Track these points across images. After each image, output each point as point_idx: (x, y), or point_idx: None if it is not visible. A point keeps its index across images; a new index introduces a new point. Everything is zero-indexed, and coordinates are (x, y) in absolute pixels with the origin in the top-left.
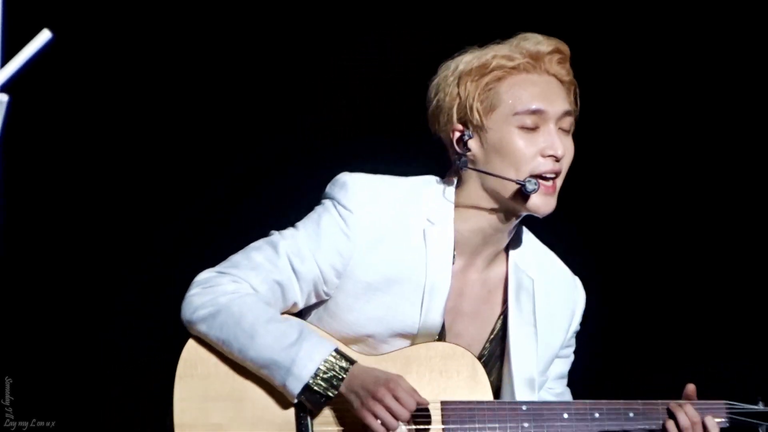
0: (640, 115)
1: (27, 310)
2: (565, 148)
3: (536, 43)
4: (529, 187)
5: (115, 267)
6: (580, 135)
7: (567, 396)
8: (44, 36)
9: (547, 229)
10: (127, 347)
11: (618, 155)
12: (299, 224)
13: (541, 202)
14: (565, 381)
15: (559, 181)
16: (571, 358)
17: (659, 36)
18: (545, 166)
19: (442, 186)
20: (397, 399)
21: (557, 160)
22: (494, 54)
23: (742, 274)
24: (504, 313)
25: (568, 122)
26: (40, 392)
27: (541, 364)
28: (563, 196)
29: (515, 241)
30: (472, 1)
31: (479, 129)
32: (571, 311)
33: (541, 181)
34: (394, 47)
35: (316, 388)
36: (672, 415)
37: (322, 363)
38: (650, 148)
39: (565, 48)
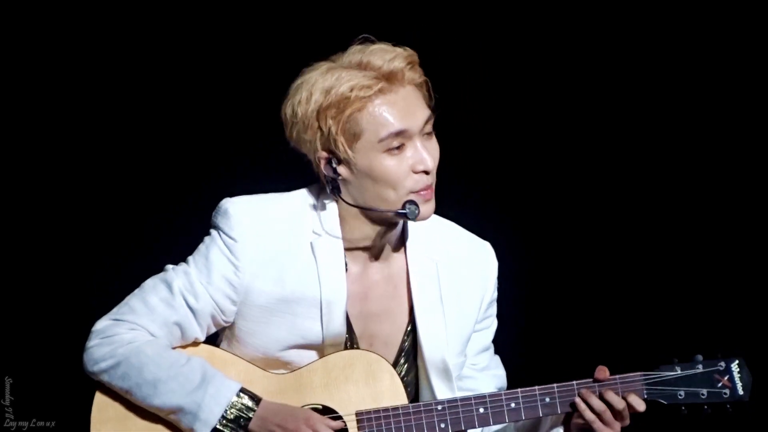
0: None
1: (26, 310)
2: (431, 155)
3: (389, 60)
4: (411, 213)
5: (115, 267)
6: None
7: (494, 366)
8: None
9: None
10: None
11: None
12: (190, 258)
13: (424, 210)
14: (489, 353)
15: (434, 184)
16: (494, 326)
17: (632, 34)
18: (420, 183)
19: (324, 197)
20: None
21: (428, 173)
22: (351, 86)
23: (684, 283)
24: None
25: (430, 125)
26: (40, 392)
27: (456, 347)
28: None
29: (410, 229)
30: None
31: (346, 158)
32: (482, 281)
33: (418, 194)
34: None
35: (225, 430)
36: (587, 401)
37: (228, 405)
38: (596, 138)
39: (414, 56)
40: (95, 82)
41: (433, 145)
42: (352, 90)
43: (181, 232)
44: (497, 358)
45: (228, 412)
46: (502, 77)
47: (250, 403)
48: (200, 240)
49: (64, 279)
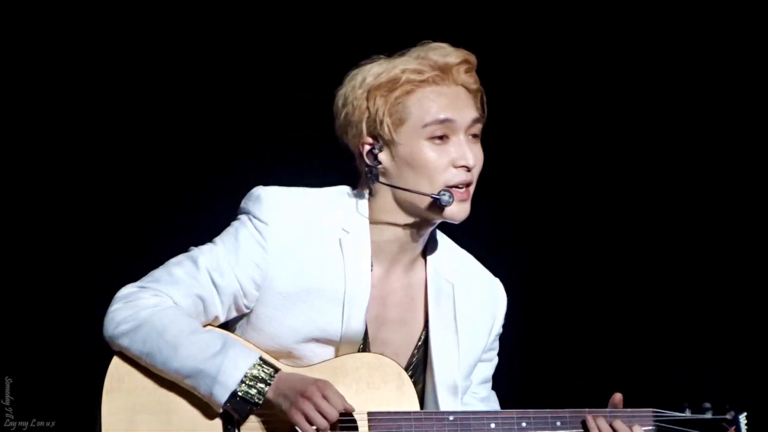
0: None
1: (27, 310)
2: (475, 156)
3: (444, 54)
4: (444, 200)
5: (115, 267)
6: (514, 135)
7: (492, 399)
8: None
9: (482, 230)
10: None
11: (544, 152)
12: (217, 239)
13: (457, 210)
14: (489, 385)
15: (472, 188)
16: (495, 361)
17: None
18: (458, 177)
19: (355, 197)
20: (326, 398)
21: (468, 170)
22: (403, 68)
23: (668, 278)
24: (428, 320)
25: (477, 129)
26: (40, 392)
27: (465, 369)
28: (495, 196)
29: (432, 247)
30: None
31: (390, 143)
32: (492, 314)
33: (454, 190)
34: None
35: (242, 395)
36: (596, 421)
37: (248, 370)
38: (577, 144)
39: (472, 58)
40: (95, 83)
41: (478, 149)
42: (403, 72)
43: (181, 232)
44: (494, 393)
45: (247, 378)
46: (503, 81)
47: (270, 370)
48: (201, 240)
49: (64, 279)
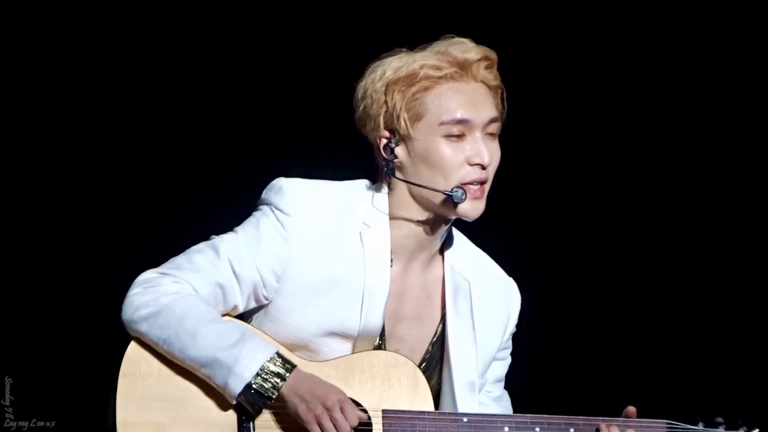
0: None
1: (27, 310)
2: (491, 154)
3: (464, 51)
4: (457, 197)
5: (115, 267)
6: (522, 135)
7: (505, 399)
8: None
9: (484, 231)
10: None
11: (551, 155)
12: (238, 229)
13: (470, 208)
14: (502, 384)
15: (487, 186)
16: (508, 360)
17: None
18: (473, 175)
19: (374, 191)
20: (343, 412)
21: (483, 168)
22: (422, 64)
23: (668, 278)
24: (444, 317)
25: (495, 127)
26: (40, 392)
27: (481, 367)
28: (501, 197)
29: (449, 244)
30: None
31: (406, 138)
32: (507, 313)
33: (468, 187)
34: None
35: (257, 388)
36: (609, 430)
37: (265, 363)
38: (581, 147)
39: (492, 54)
40: (96, 83)
41: (495, 147)
42: (422, 68)
43: (181, 232)
44: (507, 393)
45: (263, 371)
46: (515, 80)
47: (287, 366)
48: (201, 240)
49: (64, 279)
